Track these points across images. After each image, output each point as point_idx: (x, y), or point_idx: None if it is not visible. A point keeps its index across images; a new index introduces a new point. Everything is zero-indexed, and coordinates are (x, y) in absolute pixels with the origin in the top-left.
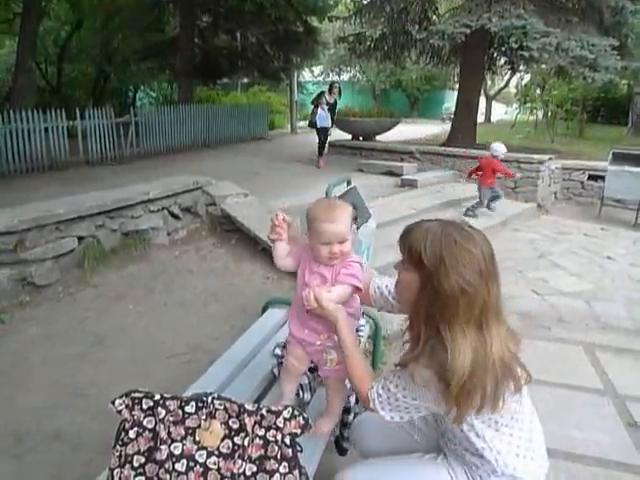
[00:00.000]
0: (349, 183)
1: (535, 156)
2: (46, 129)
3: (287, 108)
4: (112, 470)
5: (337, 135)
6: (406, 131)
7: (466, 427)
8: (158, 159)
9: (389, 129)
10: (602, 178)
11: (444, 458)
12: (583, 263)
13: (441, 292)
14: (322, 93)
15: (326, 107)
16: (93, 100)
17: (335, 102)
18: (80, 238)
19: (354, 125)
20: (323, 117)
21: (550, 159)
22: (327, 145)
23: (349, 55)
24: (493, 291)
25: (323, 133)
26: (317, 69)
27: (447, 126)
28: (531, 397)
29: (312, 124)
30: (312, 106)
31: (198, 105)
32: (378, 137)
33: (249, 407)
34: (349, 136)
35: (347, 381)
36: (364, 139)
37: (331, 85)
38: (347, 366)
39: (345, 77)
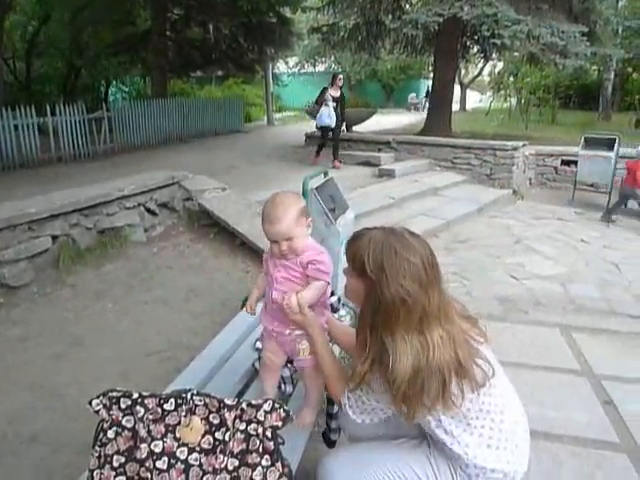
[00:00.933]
0: (326, 175)
1: (509, 143)
2: (16, 126)
3: (263, 100)
4: (92, 471)
5: (314, 127)
6: (383, 121)
7: (434, 423)
8: (133, 155)
9: (366, 119)
10: (575, 163)
11: (427, 446)
12: (558, 247)
13: (383, 301)
14: (325, 89)
15: (332, 103)
16: (64, 96)
17: (342, 95)
18: (54, 237)
19: None
20: (325, 115)
21: (524, 145)
22: (338, 146)
23: (323, 46)
24: (434, 299)
25: (326, 132)
26: (292, 60)
27: (423, 115)
28: (511, 379)
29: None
30: (316, 105)
31: (172, 99)
32: (355, 128)
33: (229, 402)
34: None
35: None
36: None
37: (334, 76)
38: (322, 371)
39: (320, 68)
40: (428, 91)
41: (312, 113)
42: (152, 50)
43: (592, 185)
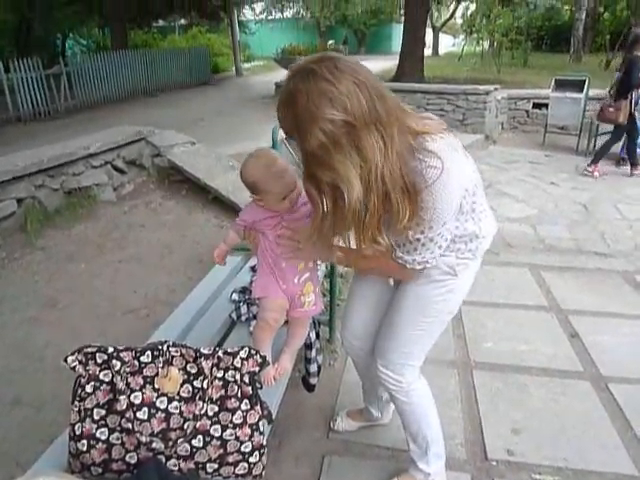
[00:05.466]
0: None
1: (481, 87)
2: None
3: (230, 50)
4: (73, 425)
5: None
6: None
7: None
8: (96, 111)
9: None
10: (546, 106)
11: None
12: (529, 190)
13: (308, 150)
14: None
15: None
16: (18, 51)
17: None
18: (19, 200)
19: None
20: None
21: (496, 89)
22: None
23: None
24: (354, 107)
25: None
26: (258, 7)
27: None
28: (483, 318)
29: None
30: None
31: (134, 51)
32: None
33: (205, 351)
34: None
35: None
36: None
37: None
38: (373, 271)
39: (289, 14)
40: None
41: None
42: None
43: (562, 128)
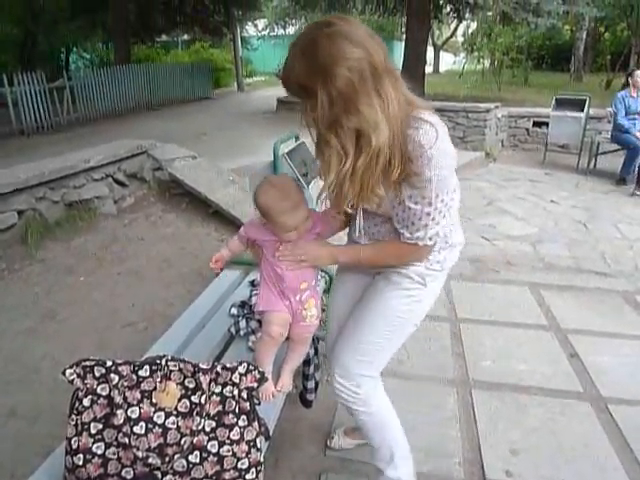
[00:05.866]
0: (297, 139)
1: (482, 105)
2: None
3: (232, 65)
4: (69, 439)
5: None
6: None
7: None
8: (98, 125)
9: None
10: (546, 124)
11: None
12: (529, 208)
13: (336, 86)
14: None
15: None
16: (22, 65)
17: None
18: (20, 212)
19: None
20: None
21: (496, 107)
22: None
23: (293, 6)
24: (378, 55)
25: None
26: (261, 23)
27: None
28: (482, 336)
29: None
30: None
31: (137, 65)
32: None
33: (204, 366)
34: None
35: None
36: None
37: None
38: (385, 261)
39: (291, 30)
40: None
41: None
42: (112, 13)
43: (563, 146)
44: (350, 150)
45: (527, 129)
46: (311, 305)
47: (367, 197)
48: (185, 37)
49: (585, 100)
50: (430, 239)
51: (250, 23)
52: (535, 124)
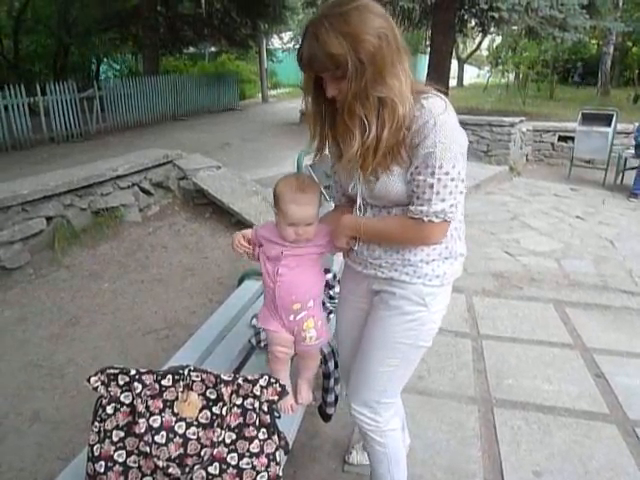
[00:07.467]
0: None
1: (506, 119)
2: (5, 107)
3: (257, 77)
4: (92, 446)
5: None
6: None
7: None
8: (126, 134)
9: None
10: (572, 139)
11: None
12: (554, 223)
13: (365, 54)
14: None
15: None
16: (54, 74)
17: None
18: (48, 218)
19: None
20: None
21: (521, 121)
22: None
23: None
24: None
25: None
26: (287, 36)
27: None
28: (505, 353)
29: None
30: None
31: (165, 76)
32: None
33: (225, 377)
34: None
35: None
36: None
37: None
38: (389, 232)
39: None
40: None
41: None
42: (143, 26)
43: (589, 161)
44: (373, 120)
45: (552, 143)
46: (310, 326)
47: (387, 166)
48: (212, 49)
49: (612, 115)
50: (435, 215)
51: (276, 36)
52: (560, 139)
